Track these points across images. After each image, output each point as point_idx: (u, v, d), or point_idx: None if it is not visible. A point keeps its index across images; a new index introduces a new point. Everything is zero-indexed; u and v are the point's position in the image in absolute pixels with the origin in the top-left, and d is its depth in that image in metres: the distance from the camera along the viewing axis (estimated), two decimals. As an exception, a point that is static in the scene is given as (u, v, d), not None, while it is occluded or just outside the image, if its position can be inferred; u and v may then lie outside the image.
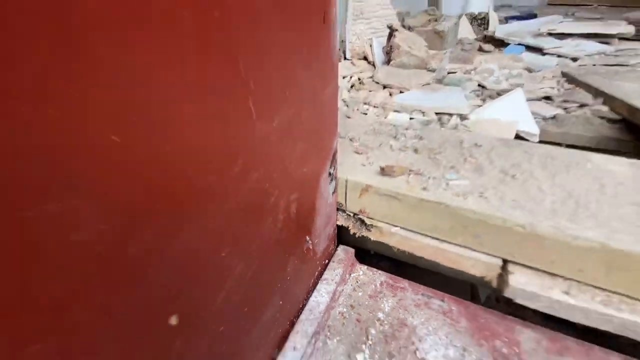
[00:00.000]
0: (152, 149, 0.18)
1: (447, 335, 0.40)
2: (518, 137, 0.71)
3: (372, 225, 0.48)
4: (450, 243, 0.43)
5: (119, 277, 0.18)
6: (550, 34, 1.25)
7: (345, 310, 0.42)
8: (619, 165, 0.48)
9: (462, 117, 0.75)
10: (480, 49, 1.34)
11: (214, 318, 0.26)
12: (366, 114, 0.74)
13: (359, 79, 0.94)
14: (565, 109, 0.78)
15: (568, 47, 1.17)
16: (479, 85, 0.95)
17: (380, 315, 0.42)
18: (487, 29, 1.49)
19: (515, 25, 1.46)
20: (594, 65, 1.02)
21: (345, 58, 1.10)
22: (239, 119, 0.24)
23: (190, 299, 0.23)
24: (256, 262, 0.31)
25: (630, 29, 1.26)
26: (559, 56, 1.13)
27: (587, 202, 0.41)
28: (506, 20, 1.67)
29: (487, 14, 1.56)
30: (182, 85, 0.19)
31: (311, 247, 0.43)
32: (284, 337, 0.39)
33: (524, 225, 0.38)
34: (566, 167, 0.47)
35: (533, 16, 1.72)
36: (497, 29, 1.42)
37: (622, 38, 1.21)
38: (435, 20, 1.26)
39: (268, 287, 0.34)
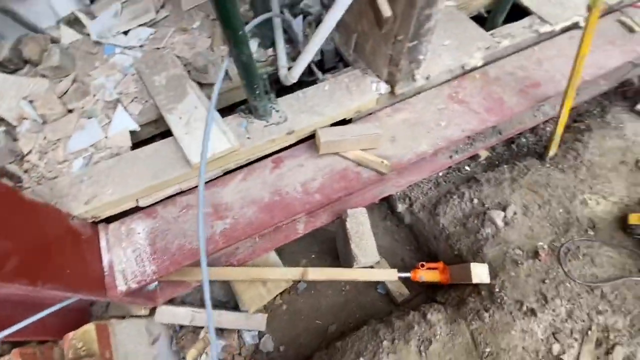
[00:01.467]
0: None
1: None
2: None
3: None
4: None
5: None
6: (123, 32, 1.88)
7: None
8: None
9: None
10: (89, 52, 1.89)
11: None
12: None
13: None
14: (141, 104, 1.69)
15: (133, 39, 1.89)
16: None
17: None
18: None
19: (105, 18, 1.86)
20: (159, 49, 1.84)
21: None
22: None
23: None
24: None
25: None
26: (141, 46, 1.87)
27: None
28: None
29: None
30: None
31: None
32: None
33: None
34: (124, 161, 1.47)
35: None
36: (92, 29, 1.92)
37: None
38: (46, 51, 1.71)
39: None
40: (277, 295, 1.98)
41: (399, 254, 2.17)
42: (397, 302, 1.97)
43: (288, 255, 2.18)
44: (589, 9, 1.36)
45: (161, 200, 1.50)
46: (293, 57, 1.70)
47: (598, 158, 1.78)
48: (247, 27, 1.23)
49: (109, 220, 1.47)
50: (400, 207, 2.04)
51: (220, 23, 1.06)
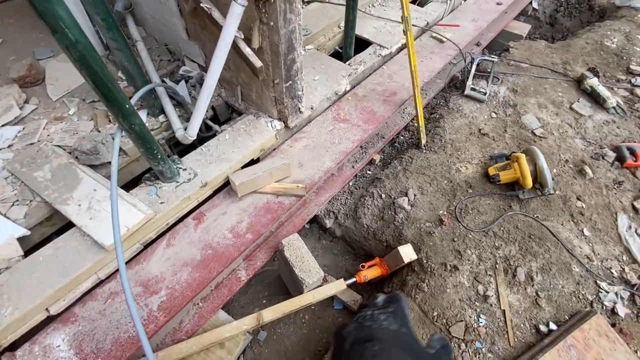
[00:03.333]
0: None
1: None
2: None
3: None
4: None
5: None
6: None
7: None
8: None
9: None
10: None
11: None
12: None
13: None
14: (25, 205, 1.53)
15: (-3, 141, 1.73)
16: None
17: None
18: None
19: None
20: (33, 144, 1.70)
21: None
22: None
23: None
24: None
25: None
26: (10, 146, 1.70)
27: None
28: None
29: None
30: None
31: None
32: None
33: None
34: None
35: None
36: None
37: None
38: None
39: None
40: (240, 356, 1.87)
41: (341, 266, 2.30)
42: (355, 310, 2.07)
43: (238, 309, 2.10)
44: (405, 32, 1.83)
45: (77, 300, 1.34)
46: (186, 118, 1.79)
47: (455, 136, 2.29)
48: (132, 100, 1.29)
49: (14, 346, 1.24)
50: (329, 223, 2.20)
51: (105, 102, 1.10)
